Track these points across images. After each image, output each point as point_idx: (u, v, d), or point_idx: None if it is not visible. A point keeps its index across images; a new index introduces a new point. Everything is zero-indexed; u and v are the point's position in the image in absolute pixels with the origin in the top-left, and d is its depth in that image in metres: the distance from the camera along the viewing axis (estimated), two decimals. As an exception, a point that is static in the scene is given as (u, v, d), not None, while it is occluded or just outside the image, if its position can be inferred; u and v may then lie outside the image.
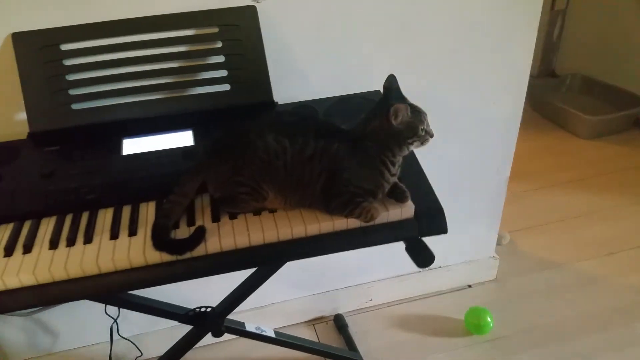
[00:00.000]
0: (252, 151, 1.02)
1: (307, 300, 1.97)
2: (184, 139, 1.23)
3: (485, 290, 2.14)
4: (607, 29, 3.14)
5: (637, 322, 1.96)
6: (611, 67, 3.15)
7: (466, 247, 2.05)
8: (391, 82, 1.08)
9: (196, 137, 1.24)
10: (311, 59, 1.41)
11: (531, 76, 1.64)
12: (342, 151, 1.03)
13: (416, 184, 1.13)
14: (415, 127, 1.04)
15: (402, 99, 1.07)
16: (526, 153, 2.89)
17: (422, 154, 1.14)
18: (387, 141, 1.04)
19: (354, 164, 1.03)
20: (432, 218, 1.09)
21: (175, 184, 1.04)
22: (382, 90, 1.10)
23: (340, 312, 2.04)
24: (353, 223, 1.05)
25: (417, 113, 1.05)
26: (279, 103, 1.34)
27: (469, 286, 2.15)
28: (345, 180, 1.03)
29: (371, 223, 1.05)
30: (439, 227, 1.09)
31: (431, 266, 1.20)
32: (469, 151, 1.76)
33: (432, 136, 1.07)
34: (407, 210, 1.07)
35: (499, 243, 2.24)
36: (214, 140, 1.09)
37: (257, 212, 1.07)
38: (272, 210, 1.07)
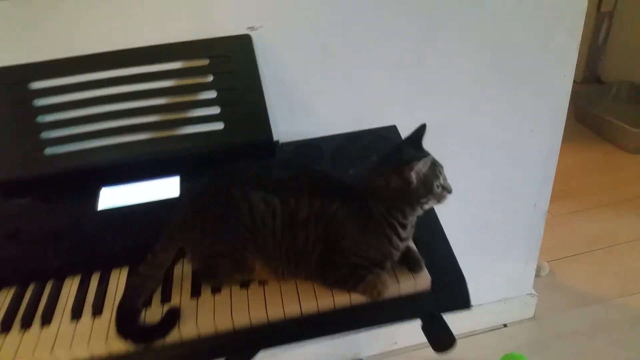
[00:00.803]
0: (234, 215, 0.86)
1: (326, 345, 1.80)
2: (169, 188, 1.08)
3: (523, 329, 1.94)
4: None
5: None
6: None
7: (501, 283, 1.85)
8: (418, 133, 0.91)
9: (183, 185, 1.09)
10: (317, 91, 1.24)
11: (574, 82, 1.42)
12: (342, 213, 0.86)
13: (432, 246, 0.96)
14: (429, 183, 0.86)
15: (421, 151, 0.90)
16: (568, 169, 2.64)
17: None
18: (396, 201, 0.87)
19: (356, 229, 0.86)
20: (451, 290, 0.92)
21: (150, 247, 0.89)
22: (401, 136, 0.92)
23: (362, 357, 1.87)
24: (357, 299, 0.88)
25: (432, 167, 0.87)
26: (281, 142, 1.18)
27: (505, 325, 1.95)
28: (346, 249, 0.86)
29: (379, 299, 0.87)
30: (461, 301, 0.92)
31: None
32: (503, 185, 1.56)
33: (450, 192, 0.90)
34: (422, 281, 0.90)
35: (537, 275, 2.02)
36: (192, 196, 0.94)
37: (244, 284, 0.91)
38: (263, 281, 0.91)
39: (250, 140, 1.15)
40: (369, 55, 1.22)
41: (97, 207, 1.04)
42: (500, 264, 1.78)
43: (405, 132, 1.19)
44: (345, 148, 1.16)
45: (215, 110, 1.14)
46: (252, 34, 1.13)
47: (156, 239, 0.90)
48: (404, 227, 0.88)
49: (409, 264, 0.91)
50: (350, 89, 1.25)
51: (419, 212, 0.89)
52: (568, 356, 1.82)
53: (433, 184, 0.86)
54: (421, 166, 0.83)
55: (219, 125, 1.15)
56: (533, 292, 1.92)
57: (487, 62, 1.31)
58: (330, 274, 0.87)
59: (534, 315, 1.97)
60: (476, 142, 1.43)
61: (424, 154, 0.89)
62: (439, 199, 0.88)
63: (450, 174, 0.90)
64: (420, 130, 0.91)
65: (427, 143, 0.89)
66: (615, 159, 2.78)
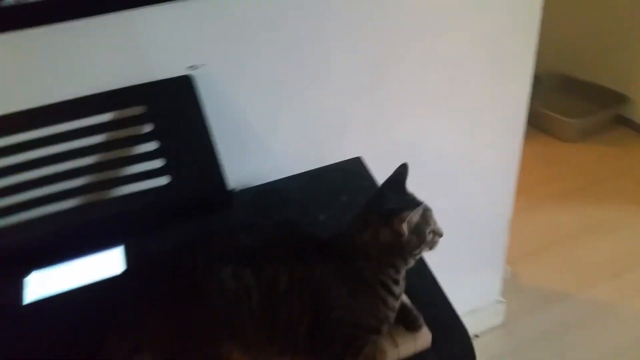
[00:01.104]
0: (200, 299, 0.73)
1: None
2: (111, 262, 0.93)
3: (495, 338, 1.90)
4: (585, 25, 2.91)
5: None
6: (590, 64, 2.94)
7: (470, 295, 1.80)
8: (400, 175, 0.81)
9: (129, 257, 0.93)
10: (269, 127, 1.12)
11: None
12: (328, 278, 0.75)
13: (423, 291, 0.87)
14: (421, 231, 0.77)
15: (405, 195, 0.80)
16: (511, 165, 2.66)
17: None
18: (387, 256, 0.77)
19: (347, 295, 0.75)
20: (454, 344, 0.83)
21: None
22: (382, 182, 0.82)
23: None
24: (353, 371, 0.77)
25: (423, 212, 0.77)
26: (236, 190, 1.05)
27: (477, 336, 1.90)
28: (337, 319, 0.75)
29: (378, 369, 0.77)
30: (466, 354, 0.83)
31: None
32: (467, 198, 1.50)
33: (441, 235, 0.80)
34: (422, 340, 0.81)
35: (500, 280, 1.99)
36: (144, 279, 0.80)
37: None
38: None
39: (202, 192, 1.02)
40: (323, 83, 1.12)
41: (22, 299, 0.87)
42: (468, 276, 1.73)
43: (370, 162, 1.11)
44: (309, 190, 1.05)
45: (158, 162, 1.00)
46: (194, 73, 0.99)
47: (102, 335, 0.75)
48: (397, 283, 0.78)
49: (406, 322, 0.81)
50: (305, 122, 1.14)
51: (412, 263, 0.79)
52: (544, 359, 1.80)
53: (425, 232, 0.77)
54: (413, 216, 0.74)
55: (164, 180, 1.00)
56: (501, 298, 1.89)
57: (445, 79, 1.23)
58: (322, 350, 0.75)
59: (503, 322, 1.94)
60: (439, 160, 1.36)
61: (409, 198, 0.80)
62: (431, 245, 0.79)
63: (414, 191, 0.81)
64: (402, 171, 0.82)
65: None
66: (555, 150, 2.82)
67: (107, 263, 0.93)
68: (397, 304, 0.78)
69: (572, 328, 1.90)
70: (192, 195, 1.01)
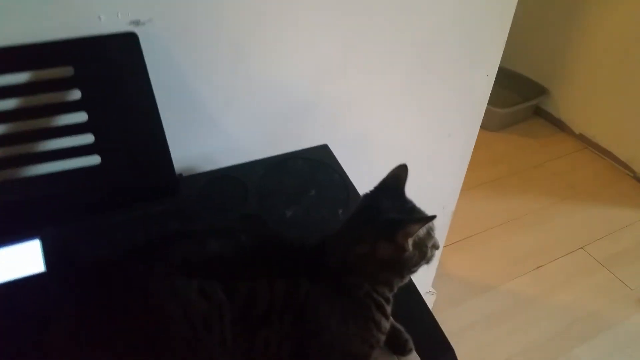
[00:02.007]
0: (160, 322, 0.57)
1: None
2: (26, 258, 0.74)
3: (423, 330, 1.87)
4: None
5: (574, 347, 1.83)
6: (514, 55, 2.99)
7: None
8: (398, 178, 0.69)
9: (49, 254, 0.74)
10: (226, 104, 0.95)
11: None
12: (316, 296, 0.62)
13: (410, 313, 0.76)
14: (424, 246, 0.66)
15: (405, 202, 0.68)
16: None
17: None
18: (383, 274, 0.65)
19: (337, 318, 0.63)
20: (442, 367, 0.73)
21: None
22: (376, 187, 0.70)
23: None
24: (335, 403, 0.65)
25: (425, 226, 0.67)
26: (184, 175, 0.88)
27: (404, 328, 1.86)
28: (324, 345, 0.62)
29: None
30: (454, 379, 0.74)
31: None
32: (415, 191, 1.41)
33: (438, 248, 0.70)
34: (410, 365, 0.70)
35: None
36: (77, 289, 0.63)
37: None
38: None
39: (142, 177, 0.84)
40: (286, 60, 0.96)
41: None
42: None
43: (332, 150, 0.98)
44: (271, 180, 0.90)
45: (87, 139, 0.80)
46: (138, 30, 0.80)
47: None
48: (389, 302, 0.67)
49: (394, 345, 0.70)
50: (265, 101, 0.98)
51: (407, 280, 0.69)
52: (471, 351, 1.80)
53: (427, 246, 0.66)
54: (420, 230, 0.62)
55: (94, 160, 0.81)
56: (432, 289, 1.86)
57: (410, 67, 1.12)
58: (305, 382, 0.63)
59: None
60: (396, 151, 1.26)
61: (410, 206, 0.68)
62: (429, 260, 0.69)
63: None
64: (400, 174, 0.70)
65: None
66: (479, 139, 2.85)
67: (20, 260, 0.73)
68: (388, 326, 0.67)
69: (496, 320, 1.92)
70: (129, 179, 0.83)
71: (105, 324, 0.58)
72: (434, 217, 0.63)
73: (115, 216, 0.80)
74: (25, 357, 0.60)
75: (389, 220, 0.63)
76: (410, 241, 0.62)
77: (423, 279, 1.80)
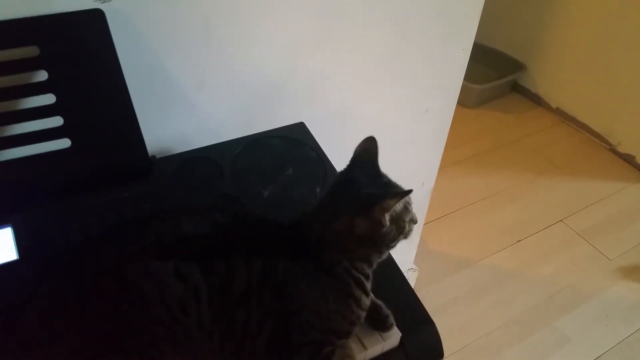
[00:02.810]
0: (135, 304, 0.56)
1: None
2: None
3: (406, 307, 1.88)
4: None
5: (555, 320, 1.86)
6: (488, 30, 2.99)
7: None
8: (367, 149, 0.68)
9: (21, 241, 0.72)
10: (198, 81, 0.92)
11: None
12: (295, 274, 0.62)
13: (390, 289, 0.76)
14: (402, 221, 0.66)
15: (379, 176, 0.68)
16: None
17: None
18: (361, 249, 0.64)
19: (316, 296, 0.62)
20: (423, 342, 0.74)
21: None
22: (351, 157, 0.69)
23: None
24: (317, 380, 0.65)
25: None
26: (156, 157, 0.87)
27: (387, 305, 1.88)
28: (304, 324, 0.62)
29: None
30: (434, 352, 0.74)
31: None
32: (393, 167, 1.41)
33: (416, 222, 0.70)
34: (391, 340, 0.71)
35: (409, 246, 1.98)
36: (49, 273, 0.61)
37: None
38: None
39: (113, 159, 0.82)
40: (262, 35, 0.94)
41: None
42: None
43: (312, 128, 0.97)
44: (246, 159, 0.89)
45: (56, 121, 0.78)
46: (105, 7, 0.77)
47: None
48: (369, 279, 0.67)
49: (375, 321, 0.70)
50: (239, 79, 0.96)
51: (385, 256, 0.68)
52: (453, 327, 1.82)
53: (405, 221, 0.66)
54: (396, 204, 0.62)
55: (64, 143, 0.79)
56: (414, 266, 1.87)
57: (385, 41, 1.11)
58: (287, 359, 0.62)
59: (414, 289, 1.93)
60: (374, 127, 1.24)
61: (385, 180, 0.68)
62: (407, 235, 0.68)
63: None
64: (371, 147, 0.70)
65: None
66: (455, 115, 2.85)
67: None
68: (369, 303, 0.67)
69: (477, 295, 1.93)
70: (100, 163, 0.81)
71: (79, 308, 0.57)
72: (410, 191, 0.62)
73: (88, 200, 0.78)
74: (-1, 345, 0.59)
75: (365, 195, 0.63)
76: (387, 216, 0.62)
77: (405, 256, 1.81)
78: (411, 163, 1.45)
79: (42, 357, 0.58)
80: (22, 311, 0.59)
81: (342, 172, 0.68)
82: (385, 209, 0.61)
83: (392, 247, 0.67)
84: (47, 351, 0.57)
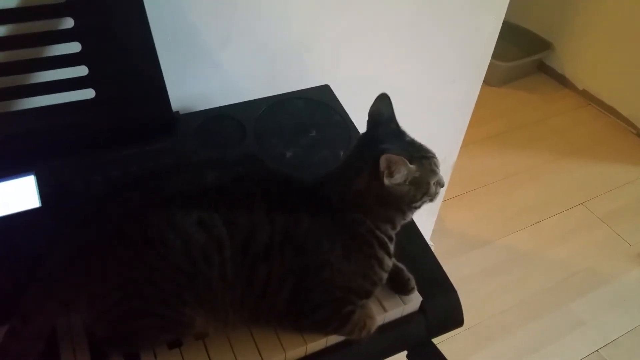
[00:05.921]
0: (158, 255, 0.56)
1: None
2: (20, 194, 0.72)
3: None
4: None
5: (570, 302, 1.84)
6: (517, 8, 2.91)
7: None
8: (381, 108, 0.66)
9: (43, 189, 0.72)
10: (224, 38, 0.91)
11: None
12: (318, 232, 0.61)
13: (412, 253, 0.75)
14: (425, 183, 0.64)
15: (397, 136, 0.66)
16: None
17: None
18: (384, 209, 0.63)
19: (339, 254, 0.61)
20: (443, 308, 0.73)
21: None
22: (367, 118, 0.67)
23: None
24: (334, 339, 0.65)
25: (425, 161, 0.64)
26: (181, 113, 0.86)
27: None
28: (326, 281, 0.61)
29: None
30: (454, 319, 0.74)
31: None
32: (416, 137, 1.40)
33: (443, 185, 0.69)
34: (411, 304, 0.70)
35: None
36: (75, 221, 0.61)
37: (175, 342, 0.62)
38: (201, 334, 0.62)
39: (137, 112, 0.81)
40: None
41: None
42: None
43: (337, 91, 0.95)
44: (270, 120, 0.87)
45: (81, 71, 0.77)
46: (132, -44, 0.75)
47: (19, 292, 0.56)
48: (392, 240, 0.66)
49: (396, 284, 0.69)
50: (265, 36, 0.94)
51: (409, 217, 0.67)
52: (466, 304, 1.80)
53: (430, 184, 0.64)
54: (396, 161, 0.59)
55: (88, 93, 0.78)
56: (430, 242, 1.85)
57: (415, 4, 1.08)
58: (306, 317, 0.62)
59: (429, 266, 1.92)
60: (399, 94, 1.22)
61: (408, 140, 0.67)
62: (433, 197, 0.67)
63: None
64: (387, 104, 0.68)
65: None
66: (481, 94, 2.81)
67: (14, 195, 0.71)
68: (391, 264, 0.66)
69: (492, 274, 1.92)
70: (124, 115, 0.80)
71: (102, 255, 0.57)
72: (424, 148, 0.62)
73: (111, 153, 0.78)
74: (22, 290, 0.59)
75: (376, 151, 0.61)
76: (398, 176, 0.60)
77: (423, 231, 1.79)
78: (434, 136, 1.41)
79: (65, 302, 0.58)
80: (45, 257, 0.59)
81: (364, 133, 0.67)
82: (388, 165, 0.59)
83: (416, 208, 0.66)
84: (70, 296, 0.58)
